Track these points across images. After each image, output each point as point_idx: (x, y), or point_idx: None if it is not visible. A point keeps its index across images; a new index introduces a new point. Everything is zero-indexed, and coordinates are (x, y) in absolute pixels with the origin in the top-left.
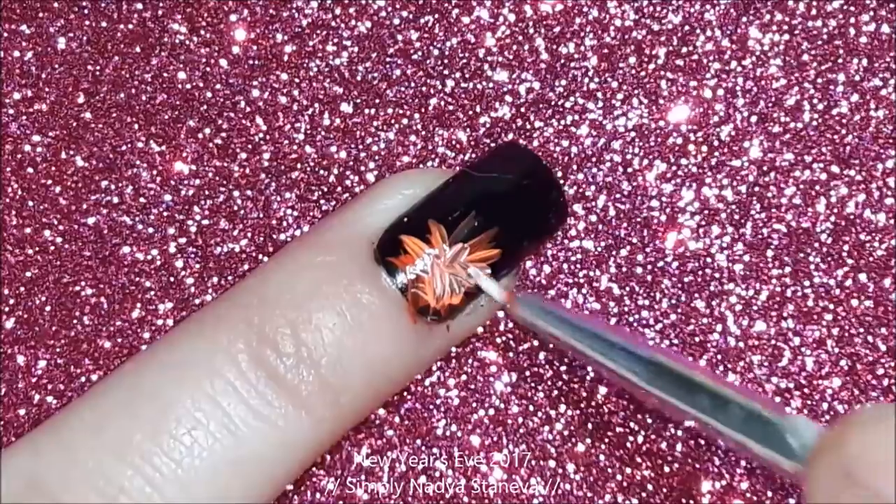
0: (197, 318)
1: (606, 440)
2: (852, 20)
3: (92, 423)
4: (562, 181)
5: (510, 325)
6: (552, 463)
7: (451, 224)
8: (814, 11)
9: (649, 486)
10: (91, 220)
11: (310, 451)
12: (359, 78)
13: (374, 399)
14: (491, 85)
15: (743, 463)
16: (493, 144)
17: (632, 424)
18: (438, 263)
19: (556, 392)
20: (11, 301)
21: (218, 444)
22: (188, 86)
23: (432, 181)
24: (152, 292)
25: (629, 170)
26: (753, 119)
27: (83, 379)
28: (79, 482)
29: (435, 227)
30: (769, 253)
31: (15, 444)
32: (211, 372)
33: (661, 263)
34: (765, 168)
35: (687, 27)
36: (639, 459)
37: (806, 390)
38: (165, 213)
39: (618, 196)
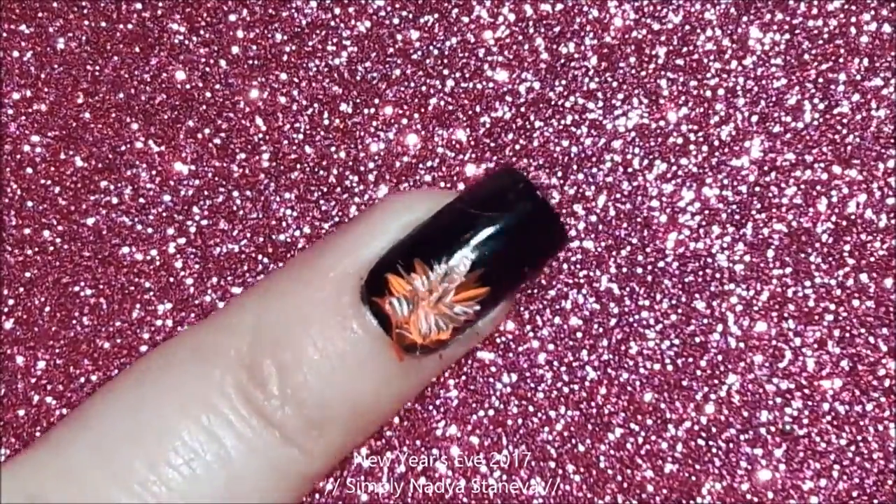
0: (193, 344)
1: (606, 441)
2: (853, 19)
3: (93, 444)
4: (562, 181)
5: (510, 325)
6: (552, 464)
7: (437, 261)
8: (815, 11)
9: (649, 487)
10: (90, 221)
11: (304, 481)
12: (358, 78)
13: (363, 431)
14: (491, 85)
15: (743, 464)
16: (492, 144)
17: (632, 425)
18: (422, 304)
19: (555, 393)
20: (11, 301)
21: (215, 475)
22: (187, 86)
23: (426, 206)
24: (151, 293)
25: (629, 170)
26: (754, 119)
27: (82, 380)
28: None
29: (420, 267)
30: (770, 253)
31: (15, 460)
32: (207, 405)
33: (661, 264)
34: (765, 168)
35: (687, 27)
36: (639, 460)
37: (807, 391)
38: (165, 214)
39: (618, 196)
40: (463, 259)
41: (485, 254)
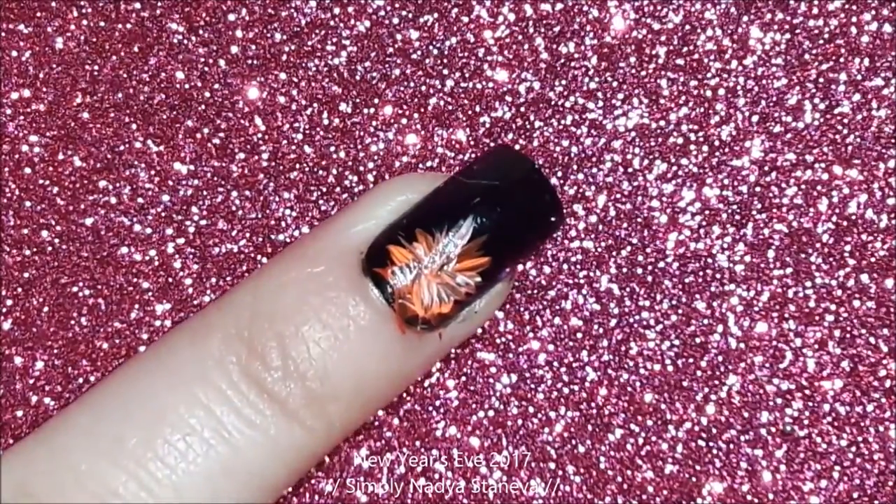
0: (189, 327)
1: (607, 442)
2: (854, 19)
3: (84, 428)
4: (562, 181)
5: (510, 326)
6: (552, 465)
7: (439, 230)
8: (815, 10)
9: (650, 488)
10: (89, 221)
11: (303, 460)
12: (358, 77)
13: (365, 409)
14: (491, 85)
15: (744, 465)
16: (493, 144)
17: (632, 426)
18: (425, 273)
19: (555, 394)
20: (9, 302)
21: (213, 451)
22: (186, 85)
23: (424, 186)
24: (150, 293)
25: (629, 170)
26: (754, 119)
27: (81, 380)
28: (71, 486)
29: (422, 237)
30: (770, 253)
31: (7, 451)
32: (204, 381)
33: (661, 264)
34: (766, 168)
35: (687, 26)
36: (639, 461)
37: (807, 392)
38: (163, 214)
39: (618, 196)
40: (464, 226)
41: (485, 221)
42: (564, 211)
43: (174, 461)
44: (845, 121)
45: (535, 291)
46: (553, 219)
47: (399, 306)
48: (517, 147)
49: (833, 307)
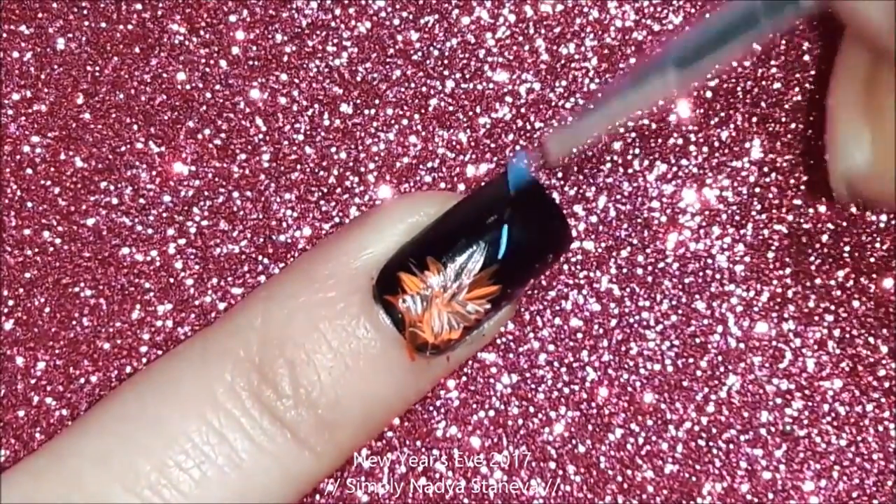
0: (198, 347)
1: (607, 442)
2: None
3: (96, 450)
4: (562, 181)
5: (510, 326)
6: (552, 464)
7: (450, 259)
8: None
9: (650, 488)
10: (90, 221)
11: (312, 482)
12: (358, 79)
13: (372, 432)
14: (491, 85)
15: (743, 464)
16: (493, 145)
17: (632, 426)
18: (436, 302)
19: (556, 393)
20: (11, 302)
21: (226, 478)
22: (188, 86)
23: (434, 208)
24: (151, 293)
25: (630, 170)
26: (754, 119)
27: (82, 380)
28: None
29: (433, 265)
30: (770, 254)
31: (15, 468)
32: (216, 406)
33: (661, 264)
34: (766, 169)
35: (688, 28)
36: (639, 461)
37: (807, 392)
38: (165, 214)
39: (618, 197)
40: (476, 256)
41: (496, 251)
42: (565, 212)
43: (188, 489)
44: None
45: (536, 292)
46: (561, 243)
47: (410, 334)
48: (517, 148)
49: (832, 307)
